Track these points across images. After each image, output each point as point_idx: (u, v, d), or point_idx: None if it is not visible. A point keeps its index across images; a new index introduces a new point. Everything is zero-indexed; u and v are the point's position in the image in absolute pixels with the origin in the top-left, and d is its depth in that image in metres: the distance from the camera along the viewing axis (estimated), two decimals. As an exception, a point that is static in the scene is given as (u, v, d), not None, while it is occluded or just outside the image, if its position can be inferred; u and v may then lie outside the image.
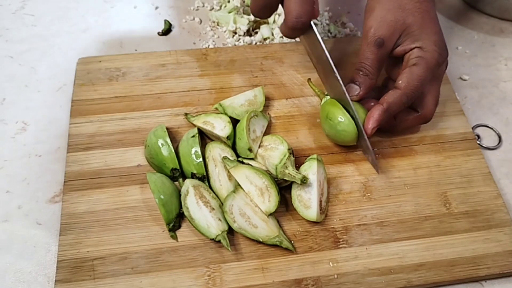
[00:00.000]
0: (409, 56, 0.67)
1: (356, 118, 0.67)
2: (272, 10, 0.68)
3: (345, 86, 0.68)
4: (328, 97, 0.72)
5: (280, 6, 0.67)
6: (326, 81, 0.73)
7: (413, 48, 0.67)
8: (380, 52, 0.67)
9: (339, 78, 0.67)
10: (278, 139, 0.67)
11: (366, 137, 0.67)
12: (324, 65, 0.70)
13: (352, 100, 0.68)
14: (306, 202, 0.64)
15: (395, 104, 0.66)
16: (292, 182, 0.65)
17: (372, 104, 0.69)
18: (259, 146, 0.68)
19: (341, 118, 0.67)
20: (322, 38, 0.69)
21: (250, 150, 0.66)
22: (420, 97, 0.69)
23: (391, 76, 0.72)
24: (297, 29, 0.65)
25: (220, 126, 0.69)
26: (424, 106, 0.70)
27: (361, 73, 0.68)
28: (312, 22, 0.67)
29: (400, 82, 0.66)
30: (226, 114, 0.70)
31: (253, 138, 0.68)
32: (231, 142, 0.69)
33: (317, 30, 0.68)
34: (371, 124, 0.66)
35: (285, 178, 0.64)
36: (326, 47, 0.67)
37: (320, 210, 0.64)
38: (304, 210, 0.64)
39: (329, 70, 0.68)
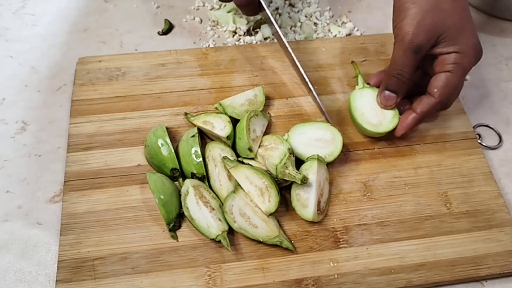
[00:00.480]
0: (445, 61, 0.64)
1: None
2: None
3: (379, 91, 0.69)
4: (359, 86, 0.72)
5: None
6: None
7: (451, 52, 0.64)
8: (417, 58, 0.64)
9: (289, 47, 0.70)
10: (278, 138, 0.67)
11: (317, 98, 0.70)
12: (280, 40, 0.73)
13: (387, 109, 0.69)
14: (304, 201, 0.64)
15: (429, 113, 0.67)
16: (292, 182, 0.65)
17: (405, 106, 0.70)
18: (259, 146, 0.68)
19: (373, 123, 0.70)
20: (271, 13, 0.74)
21: (250, 149, 0.66)
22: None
23: (424, 67, 0.70)
24: (243, 5, 0.72)
25: (220, 126, 0.68)
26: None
27: (397, 80, 0.66)
28: (262, 1, 0.72)
29: (435, 90, 0.65)
30: (226, 113, 0.70)
31: (253, 137, 0.68)
32: (231, 142, 0.68)
33: (266, 6, 0.74)
34: (402, 131, 0.68)
35: (285, 178, 0.63)
36: (276, 22, 0.72)
37: (318, 210, 0.64)
38: (301, 209, 0.64)
39: (282, 42, 0.72)
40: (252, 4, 0.72)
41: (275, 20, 0.73)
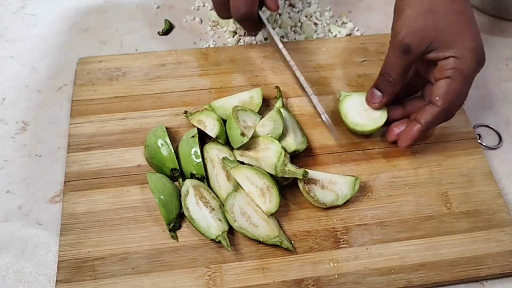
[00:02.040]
0: (444, 66, 0.63)
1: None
2: (226, 9, 0.73)
3: (369, 88, 0.69)
4: (344, 94, 0.73)
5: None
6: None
7: (448, 57, 0.62)
8: (406, 59, 0.63)
9: (293, 64, 0.72)
10: (267, 139, 0.66)
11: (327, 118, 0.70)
12: (281, 55, 0.74)
13: (374, 108, 0.69)
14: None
15: (433, 123, 0.65)
16: (290, 182, 0.65)
17: (397, 111, 0.71)
18: (250, 149, 0.67)
19: (356, 123, 0.70)
20: (271, 25, 0.74)
21: (242, 134, 0.65)
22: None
23: (424, 74, 0.69)
24: (242, 20, 0.72)
25: (210, 126, 0.68)
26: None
27: (384, 79, 0.66)
28: (261, 13, 0.73)
29: (437, 98, 0.63)
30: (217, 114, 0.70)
31: (245, 126, 0.67)
32: (224, 140, 0.68)
33: (267, 21, 0.74)
34: (407, 142, 0.67)
35: (285, 176, 0.63)
36: (275, 34, 0.73)
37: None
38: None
39: (284, 59, 0.72)
40: (252, 19, 0.73)
41: (273, 29, 0.74)
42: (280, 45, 0.72)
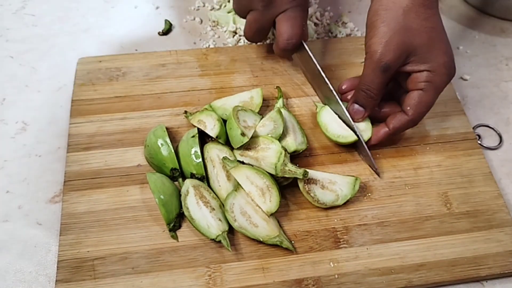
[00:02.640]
0: (418, 78, 0.65)
1: (356, 130, 0.69)
2: (265, 34, 0.74)
3: (349, 103, 0.70)
4: (320, 105, 0.74)
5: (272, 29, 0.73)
6: (323, 96, 0.75)
7: (423, 70, 0.65)
8: (386, 76, 0.65)
9: (335, 93, 0.70)
10: (267, 139, 0.66)
11: (365, 145, 0.69)
12: (320, 81, 0.73)
13: (356, 122, 0.70)
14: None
15: (401, 129, 0.69)
16: (290, 182, 0.65)
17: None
18: (250, 149, 0.67)
19: (338, 135, 0.70)
20: (313, 54, 0.72)
21: (243, 134, 0.65)
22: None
23: (398, 81, 0.70)
24: (288, 50, 0.72)
25: (210, 126, 0.68)
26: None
27: (365, 95, 0.67)
28: (303, 41, 0.72)
29: (408, 108, 0.66)
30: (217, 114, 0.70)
31: (245, 126, 0.67)
32: (224, 140, 0.68)
33: (308, 48, 0.73)
34: (372, 142, 0.70)
35: (285, 176, 0.63)
36: (318, 63, 0.72)
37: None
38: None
39: (324, 84, 0.72)
40: (296, 49, 0.73)
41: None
42: (322, 73, 0.71)
